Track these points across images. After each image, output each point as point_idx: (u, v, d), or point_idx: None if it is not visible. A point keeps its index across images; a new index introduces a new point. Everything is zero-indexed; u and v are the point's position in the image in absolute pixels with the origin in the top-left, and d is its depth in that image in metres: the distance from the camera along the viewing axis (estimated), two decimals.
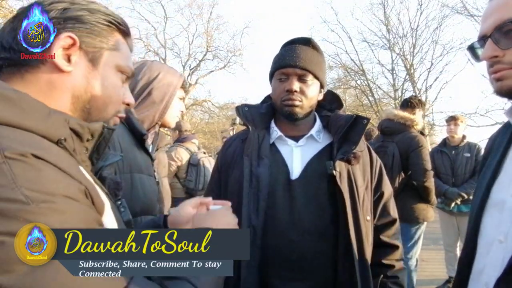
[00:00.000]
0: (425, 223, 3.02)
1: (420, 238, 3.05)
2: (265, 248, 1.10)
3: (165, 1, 21.13)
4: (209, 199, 0.90)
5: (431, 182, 2.88)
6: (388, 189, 1.26)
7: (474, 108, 14.88)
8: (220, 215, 0.81)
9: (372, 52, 18.88)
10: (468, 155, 3.48)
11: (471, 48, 0.81)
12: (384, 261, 1.19)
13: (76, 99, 0.61)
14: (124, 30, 0.69)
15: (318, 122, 1.24)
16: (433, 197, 2.93)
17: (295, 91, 1.13)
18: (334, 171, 1.09)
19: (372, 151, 1.26)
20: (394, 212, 1.25)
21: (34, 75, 0.58)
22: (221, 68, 22.36)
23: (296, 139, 1.20)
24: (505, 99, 0.77)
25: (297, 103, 1.13)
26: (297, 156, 1.17)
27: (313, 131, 1.20)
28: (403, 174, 2.98)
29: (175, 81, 1.35)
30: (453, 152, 3.55)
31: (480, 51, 0.78)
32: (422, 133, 3.09)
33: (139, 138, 1.26)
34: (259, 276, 1.09)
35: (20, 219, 0.41)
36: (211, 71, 22.47)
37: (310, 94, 1.15)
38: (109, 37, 0.65)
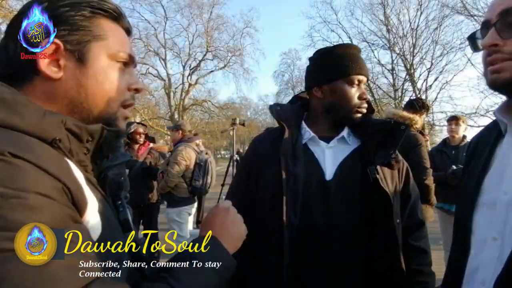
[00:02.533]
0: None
1: None
2: (301, 248, 1.10)
3: (165, 1, 21.18)
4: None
5: (431, 180, 2.87)
6: (415, 191, 1.26)
7: (474, 108, 14.87)
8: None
9: (372, 52, 18.93)
10: None
11: (472, 38, 0.79)
12: (413, 266, 1.18)
13: (70, 102, 0.61)
14: (111, 14, 0.65)
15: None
16: (433, 197, 2.92)
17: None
18: (377, 175, 1.11)
19: (399, 155, 1.26)
20: (421, 214, 1.25)
21: (32, 86, 0.59)
22: (221, 68, 22.37)
23: (327, 140, 1.21)
24: (505, 98, 0.76)
25: (365, 110, 1.20)
26: (329, 157, 1.18)
27: (344, 133, 1.21)
28: None
29: None
30: (453, 152, 3.55)
31: (480, 42, 0.76)
32: (421, 132, 3.09)
33: None
34: (295, 276, 1.09)
35: None
36: (211, 71, 22.51)
37: None
38: (92, 27, 0.62)
